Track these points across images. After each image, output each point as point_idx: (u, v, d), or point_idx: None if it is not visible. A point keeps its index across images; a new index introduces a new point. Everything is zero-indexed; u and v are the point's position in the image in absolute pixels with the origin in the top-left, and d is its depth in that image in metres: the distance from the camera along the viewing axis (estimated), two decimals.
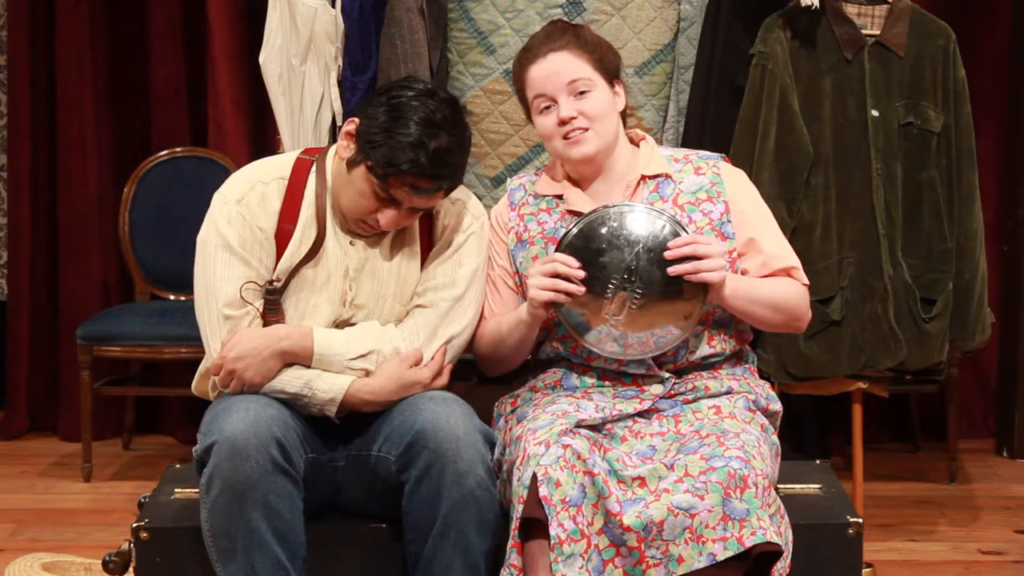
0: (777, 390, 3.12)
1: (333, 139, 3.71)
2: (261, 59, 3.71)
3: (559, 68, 2.90)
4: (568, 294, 2.77)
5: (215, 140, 5.00)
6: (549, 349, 2.96)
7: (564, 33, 2.94)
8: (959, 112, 3.82)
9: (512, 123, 3.73)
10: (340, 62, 3.70)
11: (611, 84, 2.94)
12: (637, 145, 3.02)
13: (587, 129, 2.88)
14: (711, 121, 3.78)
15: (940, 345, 3.80)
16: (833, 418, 4.78)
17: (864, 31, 3.78)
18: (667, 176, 2.96)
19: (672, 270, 2.76)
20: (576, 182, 2.99)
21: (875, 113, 3.77)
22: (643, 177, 2.95)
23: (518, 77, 2.97)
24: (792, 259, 2.96)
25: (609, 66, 2.94)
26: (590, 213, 2.84)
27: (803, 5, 3.70)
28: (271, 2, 3.69)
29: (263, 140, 4.89)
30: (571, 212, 2.94)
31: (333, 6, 3.67)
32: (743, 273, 2.92)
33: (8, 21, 5.12)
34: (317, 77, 3.69)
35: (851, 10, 3.78)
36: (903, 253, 3.77)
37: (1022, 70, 4.81)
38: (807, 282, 2.98)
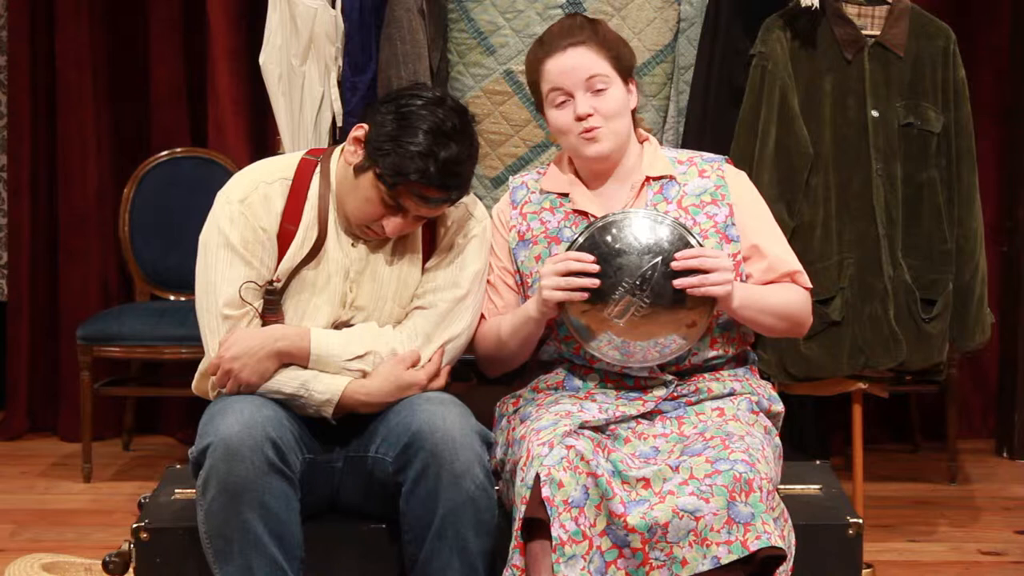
0: (777, 390, 3.11)
1: (333, 139, 3.72)
2: (261, 59, 3.71)
3: (578, 63, 2.88)
4: (583, 290, 2.76)
5: (215, 140, 5.00)
6: (552, 348, 2.95)
7: (583, 28, 2.92)
8: (959, 112, 3.81)
9: (512, 124, 3.73)
10: (340, 62, 3.70)
11: (626, 82, 2.93)
12: (641, 144, 3.02)
13: (601, 127, 2.87)
14: (711, 122, 3.77)
15: (940, 345, 3.80)
16: (833, 418, 4.78)
17: (864, 31, 3.78)
18: (671, 178, 2.95)
19: (678, 283, 2.75)
20: (582, 180, 2.98)
21: (875, 113, 3.77)
22: (647, 178, 2.95)
23: (533, 68, 2.95)
24: (795, 263, 2.96)
25: (625, 63, 2.93)
26: (616, 213, 2.83)
27: (803, 5, 3.70)
28: (271, 2, 3.69)
29: (263, 140, 4.89)
30: (577, 212, 2.94)
31: (333, 6, 3.67)
32: (747, 277, 2.91)
33: (8, 21, 5.12)
34: (317, 77, 3.69)
35: (851, 10, 3.78)
36: (903, 253, 3.77)
37: (1022, 70, 4.81)
38: (810, 286, 2.97)
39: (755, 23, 3.77)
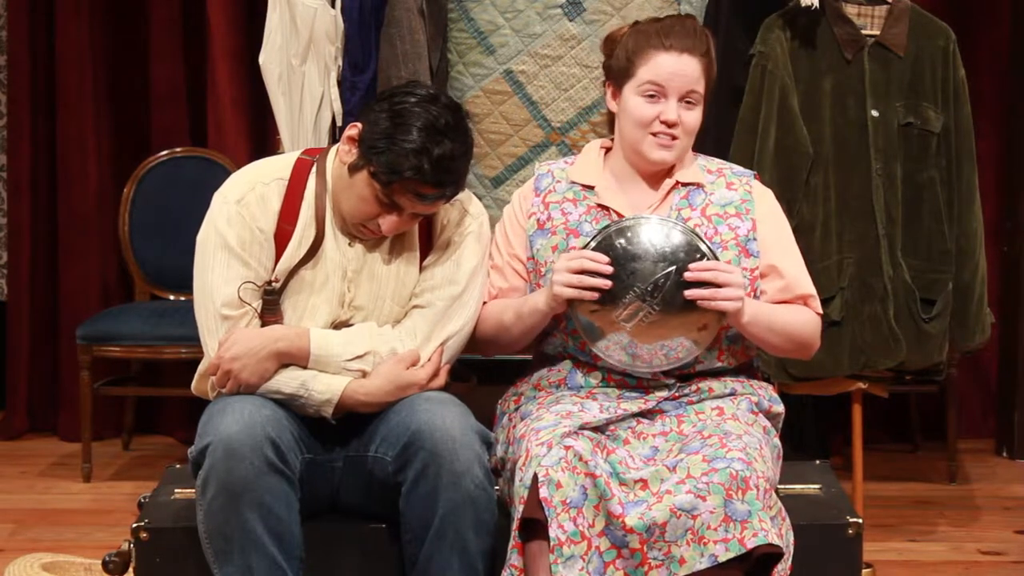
0: (777, 390, 3.12)
1: (333, 139, 3.71)
2: (261, 59, 3.71)
3: (687, 72, 2.86)
4: (594, 289, 2.76)
5: (215, 140, 5.00)
6: (557, 341, 2.95)
7: (702, 40, 2.91)
8: (959, 112, 3.82)
9: (512, 123, 3.73)
10: (340, 62, 3.70)
11: (705, 104, 2.94)
12: None
13: (678, 140, 2.87)
14: (711, 122, 3.77)
15: (940, 345, 3.80)
16: (833, 418, 4.78)
17: (864, 31, 3.78)
18: (699, 186, 2.95)
19: (689, 294, 2.76)
20: (613, 173, 2.97)
21: (875, 113, 3.77)
22: (676, 183, 2.94)
23: (640, 50, 2.89)
24: (810, 287, 2.96)
25: (711, 87, 2.94)
26: (635, 217, 2.84)
27: (803, 5, 3.70)
28: (271, 2, 3.69)
29: (263, 140, 4.89)
30: (600, 206, 2.93)
31: (333, 6, 3.67)
32: (761, 293, 2.91)
33: (8, 21, 5.12)
34: (317, 77, 3.69)
35: (851, 10, 3.78)
36: (903, 253, 3.78)
37: (1022, 70, 4.81)
38: (821, 312, 2.97)
39: (755, 23, 3.77)
